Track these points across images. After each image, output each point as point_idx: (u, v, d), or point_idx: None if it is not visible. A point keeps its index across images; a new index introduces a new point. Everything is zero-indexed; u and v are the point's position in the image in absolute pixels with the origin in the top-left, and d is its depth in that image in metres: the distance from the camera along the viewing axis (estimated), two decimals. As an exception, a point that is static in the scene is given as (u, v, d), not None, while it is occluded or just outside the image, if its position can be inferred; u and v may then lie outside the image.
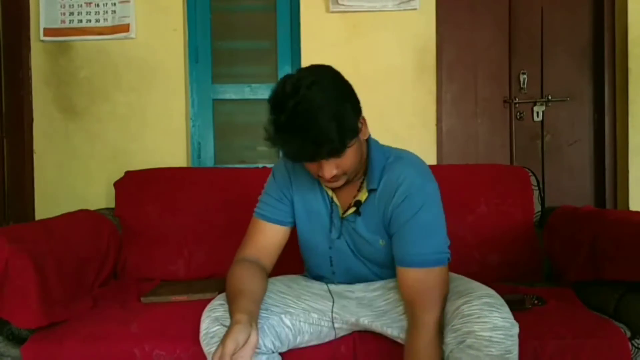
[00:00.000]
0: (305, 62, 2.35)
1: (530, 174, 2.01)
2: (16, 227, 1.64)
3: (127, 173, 2.12)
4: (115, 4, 2.39)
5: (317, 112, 1.07)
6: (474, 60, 2.53)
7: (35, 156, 2.44)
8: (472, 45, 2.53)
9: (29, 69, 2.42)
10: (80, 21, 2.41)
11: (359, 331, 1.37)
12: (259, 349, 1.20)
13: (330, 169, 1.16)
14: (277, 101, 1.11)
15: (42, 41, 2.42)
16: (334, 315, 1.33)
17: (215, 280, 1.83)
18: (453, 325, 1.09)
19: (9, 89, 2.32)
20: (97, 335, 1.39)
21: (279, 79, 2.71)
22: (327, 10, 2.38)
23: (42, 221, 1.76)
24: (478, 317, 1.06)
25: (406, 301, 1.21)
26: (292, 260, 1.45)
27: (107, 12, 2.40)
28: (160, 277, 1.91)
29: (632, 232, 1.42)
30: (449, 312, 1.12)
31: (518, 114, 2.56)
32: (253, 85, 2.57)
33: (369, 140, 1.29)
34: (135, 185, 2.06)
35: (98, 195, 2.37)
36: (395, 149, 1.33)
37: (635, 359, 1.33)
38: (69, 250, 1.59)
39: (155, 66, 2.42)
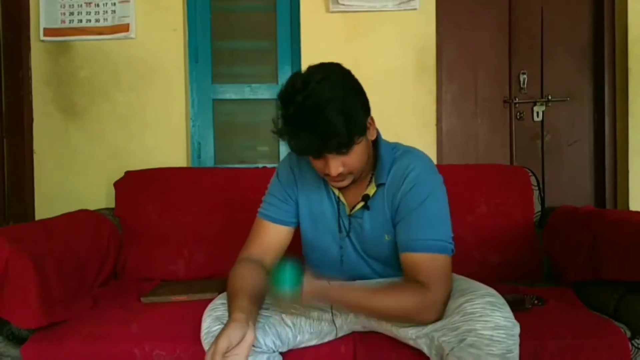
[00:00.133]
0: (305, 62, 2.35)
1: (530, 174, 2.01)
2: (16, 227, 1.64)
3: (127, 173, 2.12)
4: (115, 4, 2.39)
5: (326, 106, 1.08)
6: (474, 60, 2.53)
7: (35, 156, 2.44)
8: (472, 45, 2.53)
9: (29, 69, 2.42)
10: (80, 21, 2.41)
11: (359, 331, 1.37)
12: (260, 348, 1.20)
13: (336, 165, 1.16)
14: (286, 95, 1.12)
15: (42, 41, 2.41)
16: (335, 311, 1.33)
17: (215, 280, 1.84)
18: (454, 323, 1.08)
19: (9, 89, 2.32)
20: (97, 335, 1.39)
21: (279, 79, 2.71)
22: (327, 10, 2.38)
23: (42, 221, 1.76)
24: (480, 316, 1.05)
25: None
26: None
27: (107, 12, 2.40)
28: (160, 277, 1.91)
29: (632, 232, 1.42)
30: (450, 309, 1.12)
31: (518, 114, 2.56)
32: (253, 85, 2.57)
33: (377, 139, 1.29)
34: (135, 185, 2.06)
35: (98, 195, 2.37)
36: (403, 145, 1.35)
37: (635, 359, 1.33)
38: (69, 250, 1.59)
39: (155, 66, 2.42)
